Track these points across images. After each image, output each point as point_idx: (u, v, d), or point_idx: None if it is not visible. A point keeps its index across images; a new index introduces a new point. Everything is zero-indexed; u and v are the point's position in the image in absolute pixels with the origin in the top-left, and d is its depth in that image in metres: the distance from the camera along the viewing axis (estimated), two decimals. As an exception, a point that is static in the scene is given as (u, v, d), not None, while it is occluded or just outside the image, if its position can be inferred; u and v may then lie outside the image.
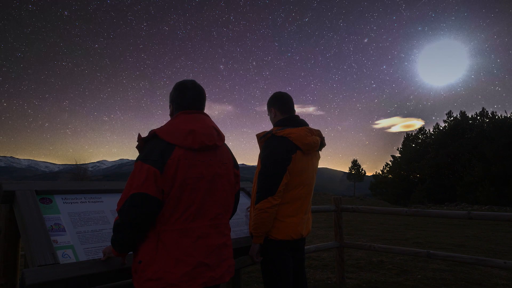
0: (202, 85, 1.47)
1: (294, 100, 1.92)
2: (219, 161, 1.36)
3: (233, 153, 1.52)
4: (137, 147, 1.28)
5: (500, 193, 24.53)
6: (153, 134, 1.27)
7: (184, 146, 1.25)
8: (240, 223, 2.03)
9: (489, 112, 31.37)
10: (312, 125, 1.87)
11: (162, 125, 1.34)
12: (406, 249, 3.23)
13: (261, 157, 1.74)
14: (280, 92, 1.93)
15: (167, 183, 1.20)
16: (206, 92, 1.49)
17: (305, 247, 3.47)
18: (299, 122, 1.84)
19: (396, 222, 10.30)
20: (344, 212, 3.64)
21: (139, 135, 1.28)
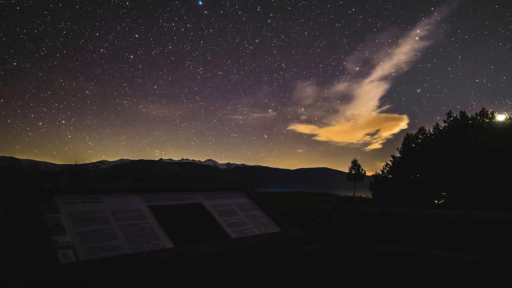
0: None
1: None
2: None
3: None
4: None
5: (500, 193, 24.51)
6: None
7: None
8: (240, 223, 2.02)
9: (489, 112, 31.36)
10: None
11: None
12: (406, 249, 3.23)
13: None
14: None
15: None
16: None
17: (305, 247, 3.46)
18: None
19: (396, 222, 10.28)
20: (344, 212, 3.63)
21: None
